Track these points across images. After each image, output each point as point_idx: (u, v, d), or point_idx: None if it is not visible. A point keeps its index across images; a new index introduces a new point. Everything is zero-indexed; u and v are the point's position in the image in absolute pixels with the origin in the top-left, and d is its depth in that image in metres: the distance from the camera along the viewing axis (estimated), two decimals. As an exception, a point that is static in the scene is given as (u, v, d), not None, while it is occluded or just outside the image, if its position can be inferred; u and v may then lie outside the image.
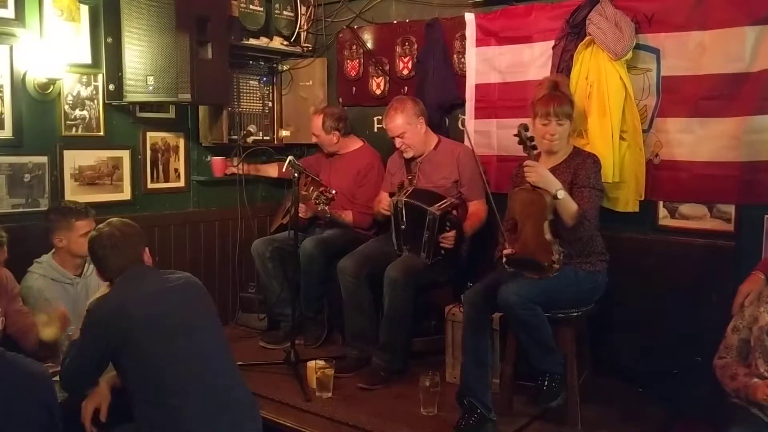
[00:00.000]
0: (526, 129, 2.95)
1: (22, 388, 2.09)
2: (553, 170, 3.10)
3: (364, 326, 3.71)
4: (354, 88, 4.62)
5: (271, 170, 4.57)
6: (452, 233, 3.40)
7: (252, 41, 4.45)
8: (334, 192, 3.72)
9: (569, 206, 2.90)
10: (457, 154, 3.75)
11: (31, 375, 2.16)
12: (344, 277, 3.71)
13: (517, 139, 2.97)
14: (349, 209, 4.08)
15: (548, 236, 2.87)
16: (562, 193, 2.86)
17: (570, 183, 3.04)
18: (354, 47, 4.59)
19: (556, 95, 3.09)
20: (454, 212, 3.43)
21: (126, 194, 4.05)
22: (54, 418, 2.18)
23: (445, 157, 3.78)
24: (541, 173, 2.88)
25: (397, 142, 3.75)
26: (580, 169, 3.07)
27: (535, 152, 2.97)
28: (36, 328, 2.90)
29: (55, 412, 2.18)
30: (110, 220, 2.62)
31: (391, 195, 3.63)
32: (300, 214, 3.95)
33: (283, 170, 3.81)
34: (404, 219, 3.51)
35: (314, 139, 4.28)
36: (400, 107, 3.73)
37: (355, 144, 4.30)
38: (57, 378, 2.55)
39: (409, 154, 3.79)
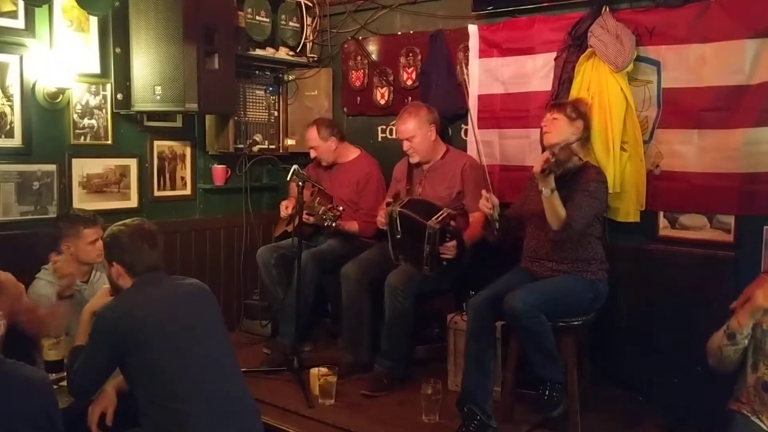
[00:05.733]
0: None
1: (21, 396, 2.10)
2: (560, 177, 3.13)
3: (362, 333, 3.76)
4: (359, 98, 4.67)
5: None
6: (453, 243, 3.41)
7: (258, 51, 4.51)
8: (341, 209, 3.76)
9: (557, 208, 2.96)
10: (462, 165, 3.77)
11: (30, 382, 2.16)
12: (347, 282, 3.75)
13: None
14: (354, 219, 4.11)
15: None
16: (549, 193, 2.94)
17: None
18: (359, 58, 4.64)
19: (557, 102, 3.28)
20: (452, 223, 3.45)
21: (133, 202, 4.09)
22: (54, 425, 2.19)
23: (451, 167, 3.80)
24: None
25: (405, 144, 3.79)
26: (582, 176, 3.13)
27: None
28: (48, 320, 2.92)
29: (55, 420, 2.19)
30: (137, 219, 2.62)
31: (387, 205, 3.65)
32: (282, 214, 4.14)
33: (288, 179, 3.84)
34: (399, 229, 3.51)
35: (312, 153, 4.28)
36: (414, 112, 3.78)
37: (352, 153, 4.33)
38: (64, 383, 2.59)
39: (414, 159, 3.83)
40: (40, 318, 2.96)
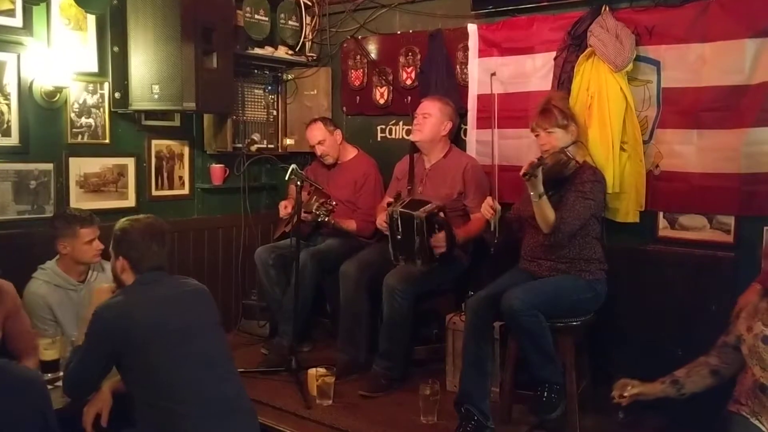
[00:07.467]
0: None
1: (15, 394, 2.10)
2: (556, 179, 3.14)
3: (359, 331, 3.75)
4: (358, 98, 4.65)
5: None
6: (441, 235, 3.41)
7: (257, 50, 4.50)
8: (334, 203, 3.77)
9: (546, 212, 2.99)
10: (463, 166, 3.77)
11: (23, 381, 2.16)
12: (346, 280, 3.74)
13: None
14: (352, 218, 4.11)
15: None
16: (537, 198, 2.97)
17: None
18: (358, 57, 4.62)
19: (542, 110, 3.22)
20: (441, 214, 3.44)
21: (131, 201, 4.08)
22: (48, 423, 2.19)
23: (453, 167, 3.80)
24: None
25: (418, 118, 3.83)
26: (577, 177, 3.13)
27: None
28: (37, 352, 2.82)
29: (49, 418, 2.19)
30: (150, 216, 2.63)
31: (389, 205, 3.65)
32: (282, 214, 4.15)
33: (286, 178, 3.84)
34: (399, 229, 3.50)
35: (319, 150, 4.26)
36: (445, 101, 3.86)
37: (350, 152, 4.35)
38: (59, 383, 2.58)
39: (414, 137, 3.84)
40: (31, 346, 2.85)
